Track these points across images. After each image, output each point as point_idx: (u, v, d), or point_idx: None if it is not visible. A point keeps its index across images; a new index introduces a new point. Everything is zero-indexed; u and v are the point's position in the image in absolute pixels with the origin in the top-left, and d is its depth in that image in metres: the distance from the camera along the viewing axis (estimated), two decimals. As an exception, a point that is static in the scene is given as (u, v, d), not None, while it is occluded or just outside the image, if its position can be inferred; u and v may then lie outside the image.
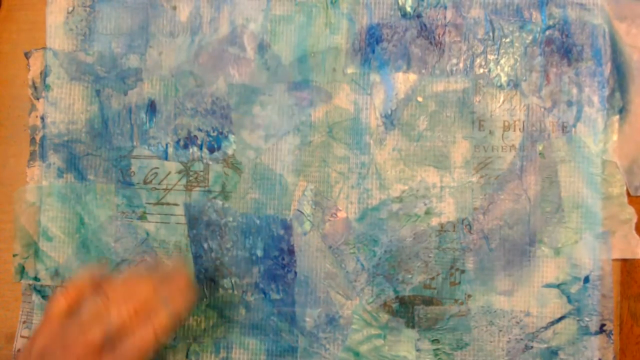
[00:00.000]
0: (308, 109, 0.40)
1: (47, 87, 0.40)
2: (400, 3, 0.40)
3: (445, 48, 0.40)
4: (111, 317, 0.32)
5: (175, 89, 0.40)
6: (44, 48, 0.40)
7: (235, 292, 0.39)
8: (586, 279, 0.39)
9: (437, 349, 0.39)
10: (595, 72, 0.39)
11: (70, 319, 0.32)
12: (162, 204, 0.40)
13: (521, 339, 0.39)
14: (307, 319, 0.39)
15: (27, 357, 0.31)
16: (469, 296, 0.39)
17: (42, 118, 0.40)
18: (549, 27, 0.40)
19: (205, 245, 0.40)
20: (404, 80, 0.40)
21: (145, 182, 0.40)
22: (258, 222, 0.40)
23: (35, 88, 0.40)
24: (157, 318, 0.32)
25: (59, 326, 0.32)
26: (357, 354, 0.39)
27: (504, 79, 0.40)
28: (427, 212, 0.39)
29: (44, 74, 0.40)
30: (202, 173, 0.40)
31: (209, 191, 0.40)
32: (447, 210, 0.39)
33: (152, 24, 0.40)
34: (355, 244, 0.39)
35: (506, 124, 0.39)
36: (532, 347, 0.39)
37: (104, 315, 0.32)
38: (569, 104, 0.39)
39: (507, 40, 0.40)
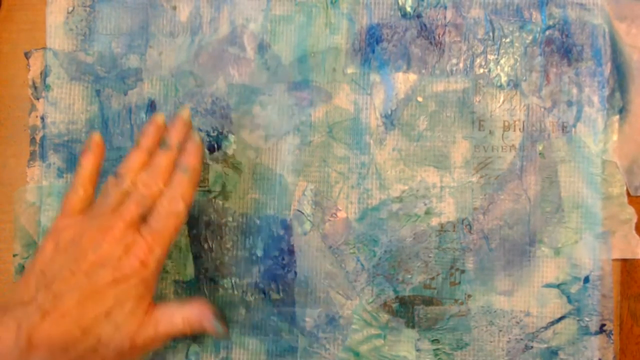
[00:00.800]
0: (308, 109, 0.40)
1: (47, 87, 0.40)
2: (400, 3, 0.40)
3: (445, 48, 0.40)
4: (138, 189, 0.32)
5: (175, 89, 0.40)
6: (44, 48, 0.40)
7: (235, 292, 0.40)
8: (586, 279, 0.39)
9: (437, 349, 0.39)
10: (595, 72, 0.39)
11: (93, 208, 0.32)
12: (162, 204, 0.40)
13: (521, 339, 0.39)
14: (307, 319, 0.39)
15: (49, 253, 0.31)
16: (469, 296, 0.39)
17: (42, 118, 0.40)
18: (549, 27, 0.40)
19: (205, 245, 0.40)
20: (404, 80, 0.40)
21: (145, 182, 0.40)
22: (258, 222, 0.40)
23: (35, 88, 0.40)
24: (180, 185, 0.32)
25: (83, 217, 0.32)
26: (357, 354, 0.39)
27: (504, 79, 0.40)
28: (427, 212, 0.39)
29: (44, 74, 0.40)
30: (202, 173, 0.40)
31: (209, 191, 0.40)
32: (447, 210, 0.39)
33: (152, 24, 0.40)
34: (355, 244, 0.39)
35: (506, 124, 0.39)
36: (532, 347, 0.39)
37: (131, 189, 0.32)
38: (569, 104, 0.39)
39: (507, 40, 0.40)
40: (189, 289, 0.39)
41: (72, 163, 0.40)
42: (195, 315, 0.32)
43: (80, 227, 0.31)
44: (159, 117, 0.35)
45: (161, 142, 0.34)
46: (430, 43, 0.40)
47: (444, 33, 0.40)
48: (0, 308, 0.29)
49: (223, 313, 0.34)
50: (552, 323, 0.39)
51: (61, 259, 0.30)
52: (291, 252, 0.39)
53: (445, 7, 0.40)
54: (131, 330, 0.30)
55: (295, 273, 0.39)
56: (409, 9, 0.40)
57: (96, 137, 0.34)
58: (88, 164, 0.34)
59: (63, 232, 0.31)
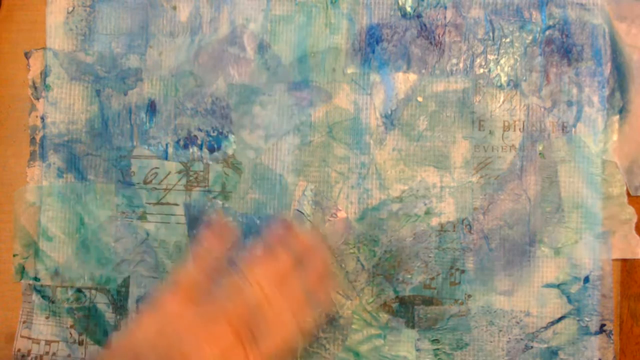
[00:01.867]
0: (308, 109, 0.40)
1: (47, 87, 0.40)
2: (400, 3, 0.40)
3: (445, 48, 0.40)
4: (252, 291, 0.28)
5: (175, 89, 0.40)
6: (44, 48, 0.40)
7: (235, 292, 0.39)
8: (586, 279, 0.39)
9: (437, 349, 0.39)
10: (595, 72, 0.39)
11: (205, 296, 0.29)
12: (162, 204, 0.40)
13: (521, 339, 0.39)
14: (307, 319, 0.39)
15: (149, 335, 0.28)
16: (469, 296, 0.39)
17: (42, 118, 0.40)
18: (549, 27, 0.40)
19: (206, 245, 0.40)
20: (404, 80, 0.40)
21: (145, 182, 0.40)
22: (258, 222, 0.40)
23: (35, 88, 0.40)
24: (304, 321, 0.29)
25: (194, 306, 0.28)
26: (357, 354, 0.39)
27: (504, 79, 0.40)
28: (427, 212, 0.39)
29: (44, 74, 0.40)
30: (202, 173, 0.40)
31: (209, 191, 0.40)
32: (447, 210, 0.39)
33: (152, 24, 0.40)
34: (355, 244, 0.39)
35: (506, 124, 0.39)
36: (532, 347, 0.39)
37: (243, 289, 0.29)
38: (569, 104, 0.39)
39: (507, 40, 0.40)
40: (189, 289, 0.39)
41: (72, 163, 0.40)
42: None
43: (190, 319, 0.28)
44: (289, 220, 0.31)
45: (288, 246, 0.31)
46: (430, 43, 0.40)
47: (444, 33, 0.40)
48: None
49: None
50: (552, 323, 0.39)
51: (161, 345, 0.28)
52: (291, 252, 0.39)
53: (445, 7, 0.40)
54: None
55: (295, 273, 0.39)
56: (409, 9, 0.40)
57: (230, 222, 0.32)
58: (216, 249, 0.31)
59: (173, 319, 0.28)
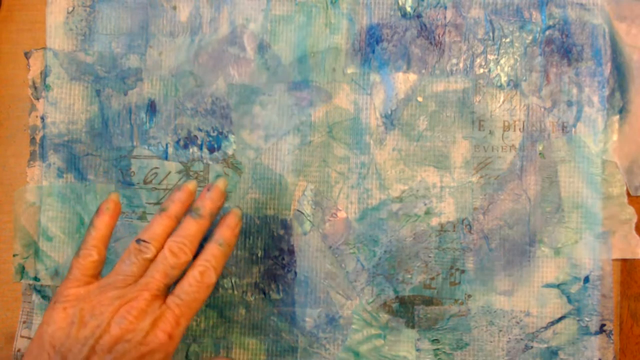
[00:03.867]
0: (308, 109, 0.40)
1: (47, 87, 0.40)
2: (400, 3, 0.40)
3: (445, 48, 0.40)
4: (166, 258, 0.30)
5: (175, 89, 0.40)
6: (44, 48, 0.40)
7: (235, 292, 0.39)
8: (586, 279, 0.39)
9: (437, 349, 0.39)
10: (595, 72, 0.39)
11: (111, 276, 0.30)
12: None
13: (521, 339, 0.39)
14: (307, 319, 0.39)
15: (62, 325, 0.28)
16: (469, 296, 0.39)
17: (42, 118, 0.40)
18: (549, 27, 0.40)
19: (205, 245, 0.40)
20: (404, 80, 0.40)
21: (145, 182, 0.40)
22: (258, 222, 0.40)
23: (35, 88, 0.40)
24: (214, 258, 0.31)
25: (100, 285, 0.30)
26: (357, 354, 0.39)
27: (504, 79, 0.40)
28: (427, 212, 0.39)
29: (44, 74, 0.40)
30: (202, 173, 0.40)
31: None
32: (447, 210, 0.39)
33: (152, 24, 0.40)
34: (355, 244, 0.39)
35: (506, 124, 0.39)
36: (532, 347, 0.39)
37: (157, 257, 0.30)
38: (569, 104, 0.39)
39: (507, 40, 0.40)
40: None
41: (72, 163, 0.40)
42: None
43: (100, 297, 0.29)
44: (191, 185, 0.33)
45: (190, 210, 0.33)
46: (430, 43, 0.40)
47: (444, 33, 0.40)
48: None
49: None
50: (552, 323, 0.39)
51: (79, 333, 0.28)
52: (291, 252, 0.39)
53: (445, 7, 0.40)
54: None
55: (295, 273, 0.39)
56: (409, 9, 0.40)
57: (115, 197, 0.32)
58: (103, 225, 0.32)
59: (79, 302, 0.29)
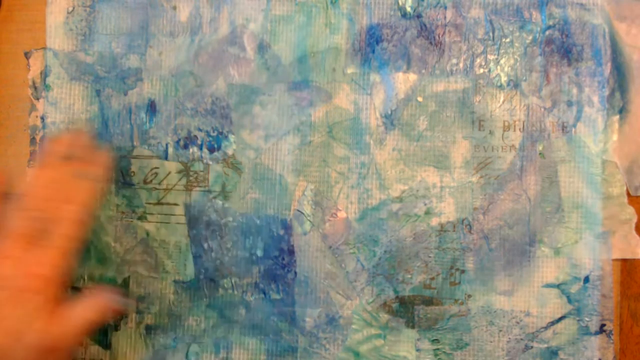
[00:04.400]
0: (308, 109, 0.40)
1: (47, 87, 0.40)
2: (400, 3, 0.40)
3: (445, 48, 0.40)
4: (38, 205, 0.32)
5: (175, 89, 0.40)
6: (44, 48, 0.40)
7: (235, 292, 0.39)
8: (586, 279, 0.39)
9: (437, 349, 0.39)
10: (595, 72, 0.39)
11: None
12: (162, 204, 0.40)
13: (521, 339, 0.39)
14: (307, 319, 0.39)
15: None
16: (469, 296, 0.39)
17: (42, 118, 0.40)
18: (549, 27, 0.40)
19: (205, 245, 0.40)
20: (404, 80, 0.40)
21: (145, 182, 0.40)
22: (258, 222, 0.40)
23: (35, 88, 0.40)
24: (78, 192, 0.32)
25: None
26: (357, 354, 0.39)
27: (504, 79, 0.40)
28: (427, 212, 0.39)
29: (44, 74, 0.40)
30: (202, 173, 0.40)
31: (209, 191, 0.40)
32: (447, 210, 0.39)
33: (152, 24, 0.40)
34: (355, 244, 0.39)
35: (506, 124, 0.39)
36: (532, 347, 0.39)
37: (24, 210, 0.32)
38: (569, 104, 0.39)
39: (507, 40, 0.40)
40: (189, 289, 0.39)
41: (72, 163, 0.40)
42: (100, 301, 0.34)
43: None
44: (59, 134, 0.35)
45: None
46: (430, 43, 0.40)
47: (444, 33, 0.40)
48: None
49: (122, 290, 0.37)
50: (552, 323, 0.39)
51: None
52: (291, 252, 0.39)
53: (445, 7, 0.40)
54: (39, 338, 0.30)
55: (295, 273, 0.39)
56: (409, 9, 0.40)
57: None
58: None
59: None
